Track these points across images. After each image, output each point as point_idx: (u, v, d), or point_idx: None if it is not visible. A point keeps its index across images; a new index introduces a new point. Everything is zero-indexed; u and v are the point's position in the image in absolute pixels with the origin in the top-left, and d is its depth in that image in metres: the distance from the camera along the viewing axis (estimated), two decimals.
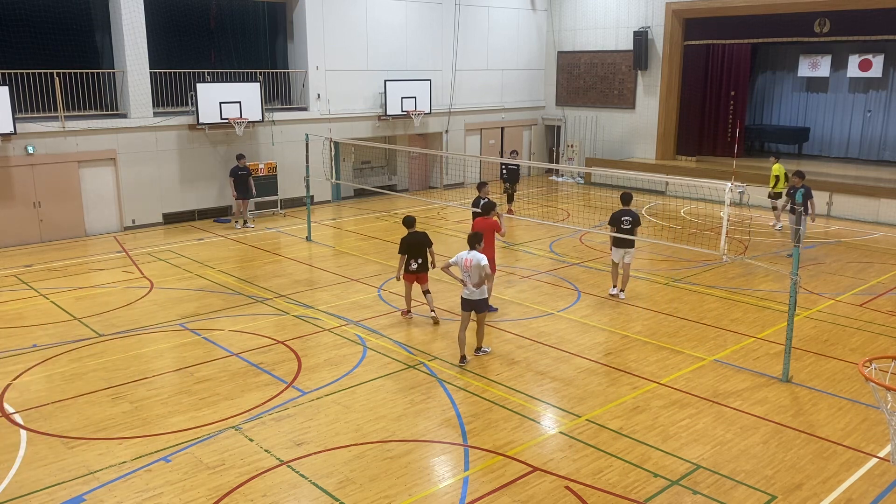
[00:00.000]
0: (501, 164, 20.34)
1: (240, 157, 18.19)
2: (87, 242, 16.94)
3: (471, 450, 7.63)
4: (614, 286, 12.89)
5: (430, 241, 11.41)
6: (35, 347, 10.46)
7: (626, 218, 12.36)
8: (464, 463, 7.40)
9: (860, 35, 21.28)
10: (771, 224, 18.26)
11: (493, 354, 10.20)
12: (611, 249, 12.75)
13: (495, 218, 11.60)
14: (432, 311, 11.43)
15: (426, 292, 11.48)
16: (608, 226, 12.66)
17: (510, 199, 19.70)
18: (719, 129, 25.70)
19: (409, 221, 11.41)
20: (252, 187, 18.37)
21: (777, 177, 17.80)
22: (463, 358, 9.84)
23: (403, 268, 11.32)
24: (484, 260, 9.68)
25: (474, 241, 9.87)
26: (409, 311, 11.66)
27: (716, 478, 7.11)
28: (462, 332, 9.84)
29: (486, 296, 10.04)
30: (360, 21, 21.63)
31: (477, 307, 9.79)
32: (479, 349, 10.15)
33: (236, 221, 18.61)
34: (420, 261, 11.27)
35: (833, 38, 21.55)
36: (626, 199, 12.51)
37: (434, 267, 11.31)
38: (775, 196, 17.93)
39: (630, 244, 12.35)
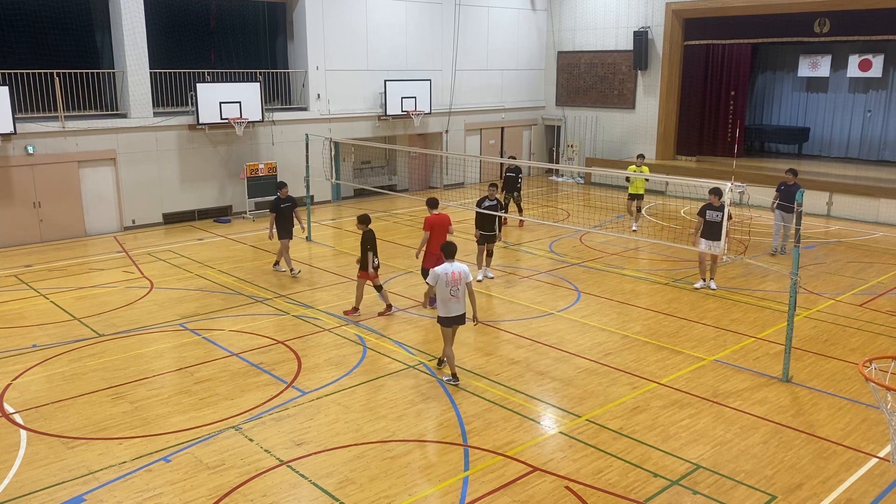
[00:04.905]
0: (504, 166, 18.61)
1: (281, 185, 14.32)
2: (87, 242, 16.94)
3: (471, 450, 7.63)
4: (702, 279, 13.25)
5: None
6: (35, 347, 10.46)
7: (716, 213, 12.61)
8: (464, 463, 7.40)
9: (860, 35, 21.27)
10: (633, 228, 17.73)
11: (493, 354, 10.20)
12: (697, 244, 12.87)
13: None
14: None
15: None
16: (697, 216, 13.09)
17: (505, 208, 17.46)
18: (719, 129, 25.69)
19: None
20: (295, 222, 14.30)
21: (646, 179, 17.68)
22: (455, 376, 9.25)
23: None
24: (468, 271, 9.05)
25: (453, 251, 9.06)
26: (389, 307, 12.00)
27: (716, 478, 7.11)
28: (451, 348, 9.22)
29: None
30: (360, 21, 21.63)
31: (462, 320, 9.16)
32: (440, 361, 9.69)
33: (276, 263, 14.51)
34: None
35: (833, 38, 21.55)
36: (716, 192, 12.62)
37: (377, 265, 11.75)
38: (636, 196, 17.71)
39: (717, 237, 12.34)
